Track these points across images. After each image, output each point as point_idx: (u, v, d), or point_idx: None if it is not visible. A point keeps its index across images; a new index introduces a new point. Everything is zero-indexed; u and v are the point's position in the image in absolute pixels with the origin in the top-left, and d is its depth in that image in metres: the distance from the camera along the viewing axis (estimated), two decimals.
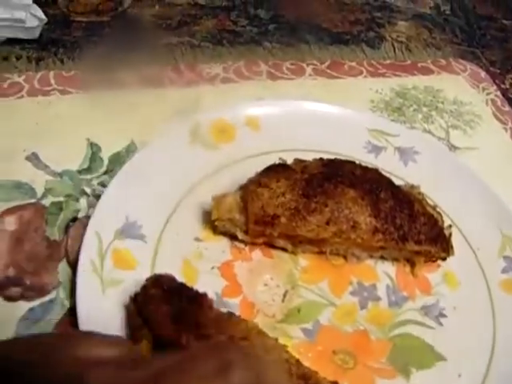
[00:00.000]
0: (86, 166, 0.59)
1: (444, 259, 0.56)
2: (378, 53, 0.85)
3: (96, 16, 0.82)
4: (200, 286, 0.46)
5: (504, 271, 0.57)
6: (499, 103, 0.80)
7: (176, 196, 0.56)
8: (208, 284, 0.51)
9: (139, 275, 0.48)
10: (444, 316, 0.53)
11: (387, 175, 0.58)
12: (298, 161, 0.57)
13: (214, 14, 0.87)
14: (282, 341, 0.45)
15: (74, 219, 0.55)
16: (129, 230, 0.52)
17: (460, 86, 0.81)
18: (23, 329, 0.47)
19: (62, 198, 0.56)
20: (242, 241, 0.54)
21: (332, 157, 0.58)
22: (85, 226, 0.51)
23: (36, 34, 0.74)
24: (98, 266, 0.49)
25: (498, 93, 0.82)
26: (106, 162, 0.60)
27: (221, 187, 0.56)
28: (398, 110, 0.74)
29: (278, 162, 0.57)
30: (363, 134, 0.67)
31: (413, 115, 0.74)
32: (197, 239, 0.54)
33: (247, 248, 0.55)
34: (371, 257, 0.56)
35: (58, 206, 0.55)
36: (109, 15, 0.83)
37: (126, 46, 0.76)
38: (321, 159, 0.57)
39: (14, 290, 0.49)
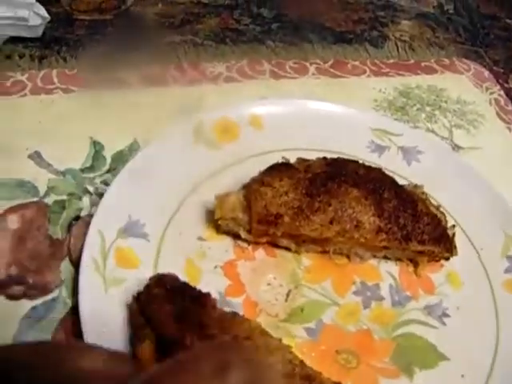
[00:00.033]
0: (88, 164, 0.59)
1: (447, 259, 0.56)
2: (382, 52, 0.85)
3: (99, 14, 0.82)
4: (203, 286, 0.46)
5: (507, 271, 0.57)
6: (503, 103, 0.80)
7: (179, 195, 0.56)
8: (211, 283, 0.51)
9: (142, 274, 0.48)
10: (447, 316, 0.53)
11: (390, 175, 0.58)
12: (301, 160, 0.57)
13: (217, 12, 0.87)
14: (285, 340, 0.45)
15: (77, 218, 0.55)
16: (132, 229, 0.52)
17: (463, 86, 0.81)
18: (26, 327, 0.47)
19: (64, 197, 0.56)
20: (245, 240, 0.54)
21: (335, 156, 0.58)
22: (87, 225, 0.51)
23: (39, 33, 0.74)
24: (100, 264, 0.49)
25: (502, 92, 0.82)
26: (108, 160, 0.60)
27: (224, 186, 0.56)
28: (401, 110, 0.74)
29: (281, 161, 0.56)
30: (366, 133, 0.66)
31: (416, 114, 0.74)
32: (200, 238, 0.54)
33: (250, 247, 0.54)
34: (374, 256, 0.55)
35: (61, 205, 0.55)
36: (112, 13, 0.83)
37: (128, 45, 0.76)
38: (324, 158, 0.57)
39: (17, 289, 0.49)
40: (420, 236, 0.53)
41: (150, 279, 0.45)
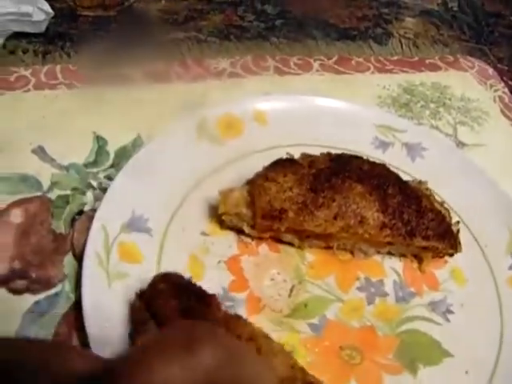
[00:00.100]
0: (92, 159, 0.59)
1: (451, 255, 0.55)
2: (386, 49, 0.85)
3: (103, 10, 0.82)
4: (206, 281, 0.46)
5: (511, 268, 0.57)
6: (507, 100, 0.80)
7: (182, 190, 0.56)
8: (214, 278, 0.50)
9: (145, 269, 0.48)
10: (451, 312, 0.53)
11: (394, 171, 0.58)
12: (305, 155, 0.56)
13: (221, 9, 0.87)
14: (288, 335, 0.45)
15: (80, 212, 0.55)
16: (135, 224, 0.52)
17: (467, 83, 0.81)
18: (28, 322, 0.47)
19: (68, 191, 0.56)
20: (248, 235, 0.54)
21: (339, 152, 0.58)
22: (91, 220, 0.51)
23: (43, 28, 0.74)
24: (103, 259, 0.49)
25: (506, 90, 0.82)
26: (112, 155, 0.60)
27: (228, 182, 0.56)
28: (405, 106, 0.74)
29: (285, 156, 0.56)
30: (371, 129, 0.66)
31: (420, 111, 0.74)
32: (203, 233, 0.54)
33: (254, 242, 0.54)
34: (378, 252, 0.55)
35: (64, 199, 0.55)
36: (115, 10, 0.83)
37: (132, 41, 0.76)
38: (328, 154, 0.57)
39: (20, 283, 0.49)
40: (424, 232, 0.53)
41: (156, 276, 0.45)
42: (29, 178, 0.56)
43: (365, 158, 0.58)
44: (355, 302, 0.52)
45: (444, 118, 0.74)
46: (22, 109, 0.63)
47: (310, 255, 0.54)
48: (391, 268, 0.55)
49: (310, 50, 0.80)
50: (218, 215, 0.53)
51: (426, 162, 0.64)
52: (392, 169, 0.58)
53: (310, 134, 0.64)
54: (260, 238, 0.54)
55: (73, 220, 0.54)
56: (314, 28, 0.86)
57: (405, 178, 0.58)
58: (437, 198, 0.57)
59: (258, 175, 0.54)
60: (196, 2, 0.87)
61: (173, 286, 0.43)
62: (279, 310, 0.50)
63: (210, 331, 0.27)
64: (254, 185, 0.53)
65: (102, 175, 0.58)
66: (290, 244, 0.54)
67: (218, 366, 0.25)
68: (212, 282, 0.48)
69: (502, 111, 0.77)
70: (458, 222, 0.57)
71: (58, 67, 0.69)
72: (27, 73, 0.68)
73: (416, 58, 0.84)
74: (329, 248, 0.54)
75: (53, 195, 0.56)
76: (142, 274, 0.46)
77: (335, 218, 0.51)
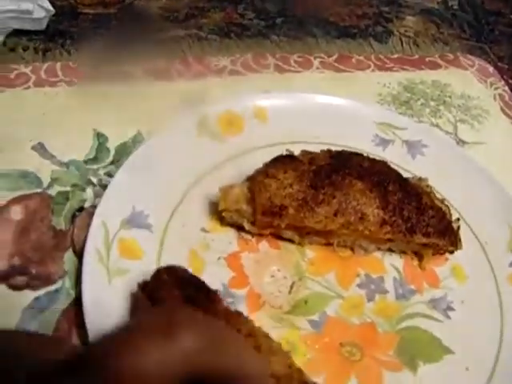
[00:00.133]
0: (92, 156, 0.59)
1: (452, 252, 0.55)
2: (386, 47, 0.85)
3: (103, 8, 0.82)
4: (206, 277, 0.46)
5: None
6: (507, 98, 0.80)
7: (183, 187, 0.56)
8: (214, 275, 0.50)
9: (145, 265, 0.48)
10: (452, 309, 0.53)
11: (395, 168, 0.58)
12: (305, 152, 0.56)
13: (222, 6, 0.87)
14: (288, 332, 0.45)
15: (81, 209, 0.55)
16: (135, 220, 0.52)
17: (468, 81, 0.81)
18: (28, 318, 0.47)
19: (68, 188, 0.56)
20: (248, 232, 0.54)
21: (340, 149, 0.58)
22: (91, 216, 0.51)
23: (43, 26, 0.74)
24: (104, 255, 0.49)
25: (506, 88, 0.82)
26: (112, 152, 0.60)
27: (228, 178, 0.56)
28: (405, 104, 0.74)
29: (285, 153, 0.56)
30: (371, 126, 0.66)
31: (420, 109, 0.74)
32: (203, 230, 0.54)
33: (254, 239, 0.54)
34: (379, 249, 0.55)
35: (65, 196, 0.55)
36: (116, 7, 0.83)
37: (132, 39, 0.75)
38: (328, 151, 0.57)
39: (20, 279, 0.49)
40: (425, 229, 0.53)
41: (159, 268, 0.45)
42: (29, 174, 0.56)
43: (365, 155, 0.58)
44: (355, 299, 0.52)
45: (444, 116, 0.74)
46: (22, 106, 0.63)
47: (311, 252, 0.54)
48: (391, 265, 0.55)
49: (311, 48, 0.80)
50: (218, 212, 0.53)
51: (427, 159, 0.64)
52: (392, 166, 0.58)
53: (310, 131, 0.64)
54: (260, 235, 0.54)
55: (73, 216, 0.54)
56: (315, 26, 0.86)
57: (405, 175, 0.58)
58: (437, 195, 0.57)
59: (259, 172, 0.54)
60: None
61: (176, 279, 0.43)
62: (279, 307, 0.50)
63: (190, 316, 0.27)
64: (255, 181, 0.53)
65: (102, 172, 0.58)
66: (290, 241, 0.54)
67: (198, 350, 0.24)
68: (212, 278, 0.48)
69: (502, 109, 0.77)
70: (459, 219, 0.56)
71: (59, 64, 0.69)
72: (27, 70, 0.68)
73: (416, 56, 0.83)
74: (329, 245, 0.54)
75: (53, 192, 0.56)
76: (142, 270, 0.46)
77: (335, 214, 0.51)
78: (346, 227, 0.51)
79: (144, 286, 0.44)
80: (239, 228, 0.54)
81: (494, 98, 0.79)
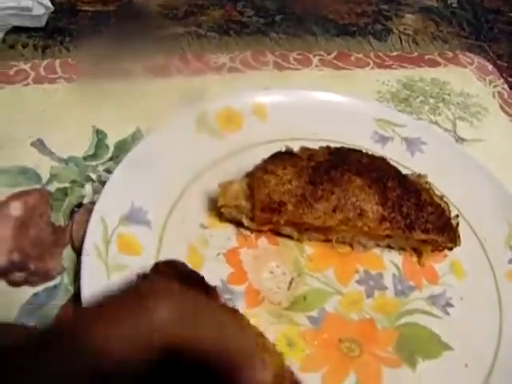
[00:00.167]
0: (91, 152, 0.59)
1: (451, 249, 0.55)
2: (385, 45, 0.85)
3: (102, 5, 0.82)
4: (205, 273, 0.45)
5: (511, 262, 0.57)
6: (506, 96, 0.80)
7: (182, 183, 0.56)
8: (213, 270, 0.50)
9: (144, 260, 0.48)
10: (451, 306, 0.53)
11: (394, 165, 0.58)
12: (304, 149, 0.56)
13: (221, 4, 0.87)
14: (287, 328, 0.45)
15: (79, 205, 0.55)
16: (134, 216, 0.52)
17: (467, 79, 0.81)
18: (27, 313, 0.47)
19: (67, 184, 0.56)
20: (247, 228, 0.54)
21: (339, 146, 0.58)
22: (90, 212, 0.51)
23: (42, 23, 0.74)
24: (102, 251, 0.49)
25: (505, 86, 0.82)
26: (111, 148, 0.60)
27: (227, 175, 0.56)
28: (404, 101, 0.74)
29: (284, 149, 0.56)
30: (370, 123, 0.66)
31: (419, 107, 0.74)
32: (202, 226, 0.54)
33: (253, 235, 0.54)
34: (378, 245, 0.55)
35: (63, 192, 0.55)
36: (115, 5, 0.83)
37: (132, 36, 0.75)
38: (327, 147, 0.57)
39: (18, 275, 0.49)
40: (424, 225, 0.53)
41: (159, 261, 0.45)
42: (28, 170, 0.56)
43: (364, 151, 0.58)
44: (354, 295, 0.52)
45: (443, 114, 0.74)
46: (21, 102, 0.63)
47: (309, 248, 0.54)
48: (390, 261, 0.55)
49: (310, 46, 0.80)
50: (217, 208, 0.53)
51: (426, 156, 0.64)
52: (391, 163, 0.58)
53: (309, 128, 0.64)
54: (259, 231, 0.54)
55: (72, 212, 0.54)
56: (314, 24, 0.86)
57: (404, 172, 0.58)
58: (436, 191, 0.57)
59: (258, 168, 0.54)
60: None
61: (176, 272, 0.43)
62: (278, 303, 0.50)
63: (166, 286, 0.26)
64: (254, 177, 0.53)
65: (101, 168, 0.58)
66: (289, 237, 0.54)
67: (172, 320, 0.24)
68: (211, 274, 0.47)
69: (501, 107, 0.77)
70: (458, 216, 0.56)
71: (58, 61, 0.69)
72: (27, 67, 0.68)
73: (415, 54, 0.83)
74: (328, 241, 0.54)
75: (52, 188, 0.56)
76: (141, 266, 0.46)
77: (334, 210, 0.51)
78: (345, 223, 0.51)
79: (144, 278, 0.44)
80: (238, 224, 0.54)
81: (493, 96, 0.79)
